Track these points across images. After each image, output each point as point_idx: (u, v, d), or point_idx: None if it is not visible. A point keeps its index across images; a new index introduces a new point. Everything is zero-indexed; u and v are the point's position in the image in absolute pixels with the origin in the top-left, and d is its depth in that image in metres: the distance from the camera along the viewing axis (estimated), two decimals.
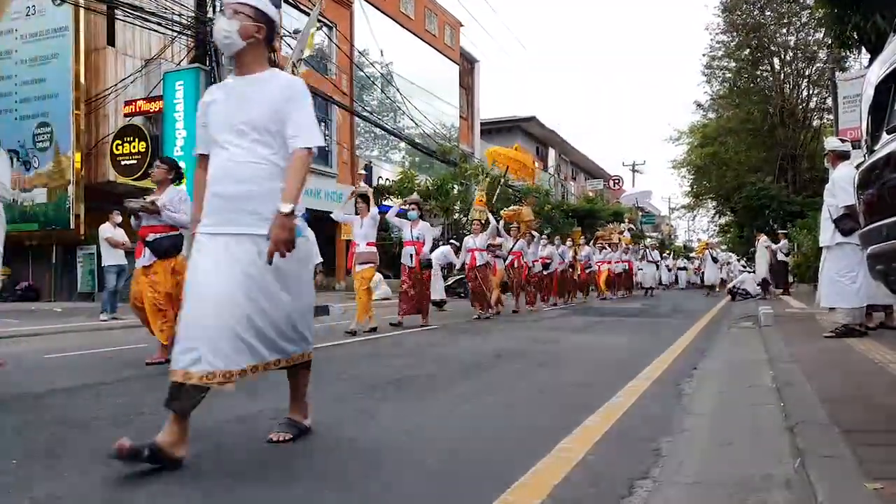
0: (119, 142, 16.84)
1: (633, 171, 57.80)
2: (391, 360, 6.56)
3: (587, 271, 20.71)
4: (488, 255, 12.74)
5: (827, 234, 6.87)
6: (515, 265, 14.29)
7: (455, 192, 25.64)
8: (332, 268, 22.66)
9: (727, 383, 5.03)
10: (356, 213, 9.70)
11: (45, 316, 12.37)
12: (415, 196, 11.49)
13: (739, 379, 5.12)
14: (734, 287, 20.21)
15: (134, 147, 16.52)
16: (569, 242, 19.65)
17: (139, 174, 16.55)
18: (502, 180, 17.98)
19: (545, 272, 16.24)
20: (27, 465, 2.99)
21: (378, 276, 18.28)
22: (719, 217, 47.24)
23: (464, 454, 3.22)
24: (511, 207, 17.52)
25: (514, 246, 14.31)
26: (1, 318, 11.06)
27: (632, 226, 32.40)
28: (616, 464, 3.00)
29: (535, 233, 15.68)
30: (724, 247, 44.52)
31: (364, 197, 9.58)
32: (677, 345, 7.85)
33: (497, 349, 7.46)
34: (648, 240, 35.37)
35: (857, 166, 3.28)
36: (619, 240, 25.28)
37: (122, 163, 16.85)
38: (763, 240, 19.15)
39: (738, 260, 35.81)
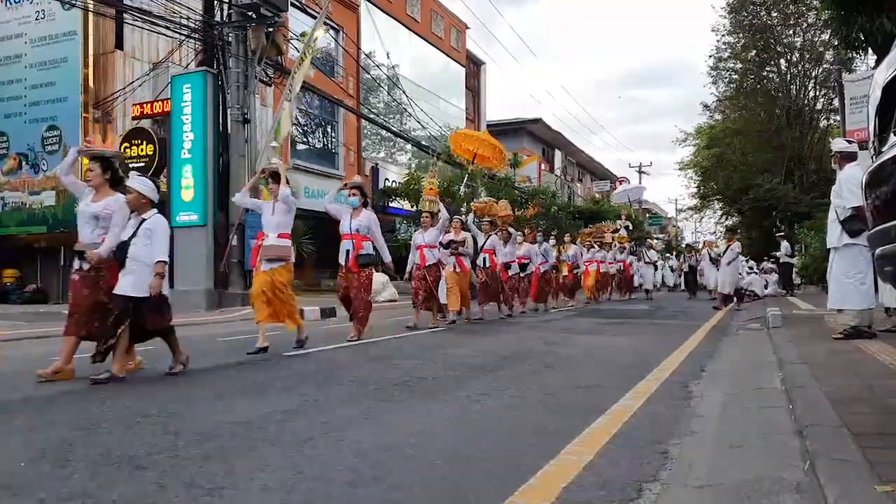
0: (127, 144, 16.90)
1: (640, 172, 57.69)
2: (397, 362, 6.55)
3: (574, 272, 18.86)
4: (444, 253, 11.09)
5: (834, 235, 6.85)
6: (487, 264, 12.55)
7: (461, 193, 25.58)
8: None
9: (736, 385, 5.02)
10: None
11: (53, 318, 12.40)
12: (357, 179, 9.56)
13: (748, 381, 5.10)
14: (742, 288, 20.12)
15: (142, 150, 16.56)
16: (551, 241, 18.02)
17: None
18: (470, 168, 16.07)
19: (522, 274, 14.33)
20: (36, 466, 3.00)
21: (384, 277, 18.03)
22: (726, 218, 47.17)
23: (472, 456, 3.21)
24: (482, 199, 15.83)
25: (484, 243, 12.65)
26: (10, 320, 11.11)
27: (629, 223, 30.33)
28: (624, 466, 2.99)
29: (511, 229, 13.84)
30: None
31: (275, 175, 7.68)
32: (685, 346, 7.83)
33: (504, 351, 7.45)
34: (651, 240, 33.08)
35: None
36: (613, 239, 23.61)
37: (130, 165, 16.89)
38: (735, 246, 16.70)
39: (746, 261, 35.26)
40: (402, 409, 4.29)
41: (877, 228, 3.06)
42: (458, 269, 11.22)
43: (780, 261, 21.37)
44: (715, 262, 21.24)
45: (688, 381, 5.35)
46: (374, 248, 8.62)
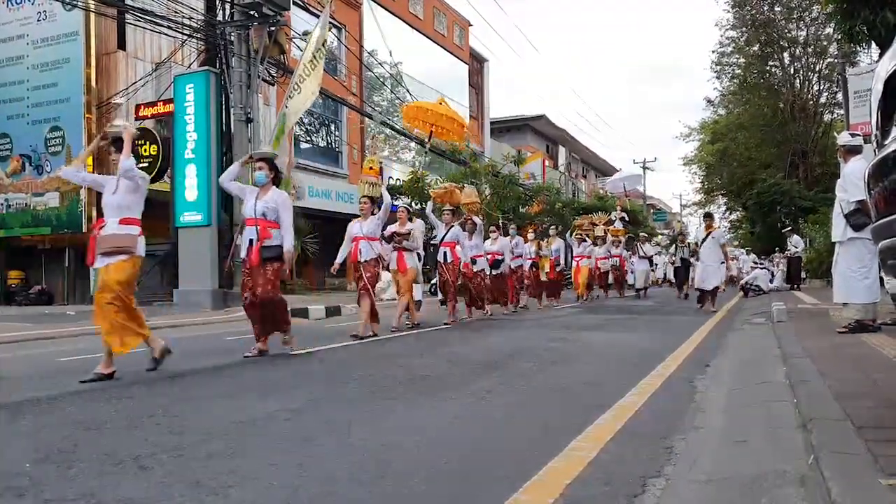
0: None
1: (644, 168, 57.60)
2: (403, 360, 6.56)
3: (557, 269, 16.74)
4: (385, 246, 9.52)
5: (839, 229, 6.84)
6: (448, 259, 10.97)
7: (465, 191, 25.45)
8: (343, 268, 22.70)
9: (740, 380, 5.01)
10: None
11: (58, 319, 12.46)
12: (266, 149, 7.43)
13: (752, 375, 5.09)
14: (747, 283, 20.10)
15: (145, 150, 16.60)
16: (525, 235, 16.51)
17: (151, 177, 16.63)
18: (429, 144, 14.48)
19: (495, 272, 12.91)
20: (41, 467, 3.01)
21: (386, 275, 17.52)
22: (730, 213, 47.15)
23: (476, 453, 3.22)
24: (442, 185, 14.29)
25: (445, 235, 11.04)
26: (15, 321, 11.14)
27: (624, 214, 27.31)
28: (629, 462, 2.99)
29: (477, 219, 12.24)
30: (735, 243, 44.31)
31: (117, 142, 5.77)
32: (689, 342, 7.82)
33: (509, 348, 7.46)
34: (644, 234, 30.49)
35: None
36: (607, 232, 21.56)
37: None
38: (717, 234, 13.80)
39: (747, 253, 34.77)
40: (406, 407, 4.30)
41: (880, 222, 3.05)
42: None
43: (791, 255, 21.09)
44: (694, 253, 17.41)
45: (692, 376, 5.34)
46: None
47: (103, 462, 3.07)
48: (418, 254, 10.67)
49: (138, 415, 4.11)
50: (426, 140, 13.91)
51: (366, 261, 8.75)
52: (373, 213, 9.06)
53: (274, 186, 6.89)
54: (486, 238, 13.16)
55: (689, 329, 9.34)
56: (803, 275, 22.28)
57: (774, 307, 8.99)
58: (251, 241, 6.66)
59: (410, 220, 10.36)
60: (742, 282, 21.16)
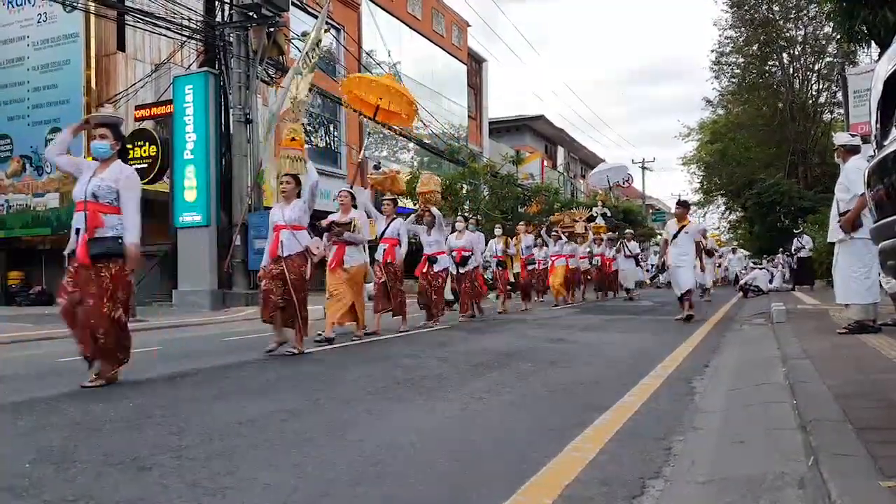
0: (130, 146, 16.91)
1: (643, 168, 57.57)
2: (400, 361, 6.55)
3: (529, 268, 15.42)
4: (317, 241, 7.44)
5: (836, 230, 6.83)
6: (387, 260, 9.29)
7: (464, 191, 25.47)
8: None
9: (739, 381, 5.01)
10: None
11: (58, 320, 12.42)
12: (107, 111, 5.53)
13: (751, 376, 5.09)
14: (746, 283, 20.08)
15: (145, 151, 16.60)
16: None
17: (150, 178, 16.64)
18: (366, 121, 12.32)
19: (462, 270, 11.48)
20: (40, 467, 3.00)
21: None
22: (729, 213, 47.08)
23: (474, 454, 3.21)
24: (382, 169, 12.52)
25: (385, 230, 9.40)
26: (15, 322, 11.13)
27: (606, 210, 25.31)
28: (628, 463, 2.99)
29: (436, 211, 10.60)
30: (735, 243, 44.25)
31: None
32: (689, 342, 7.82)
33: (507, 348, 7.45)
34: (630, 230, 28.32)
35: (869, 159, 3.26)
36: (586, 229, 20.09)
37: (134, 166, 16.90)
38: (691, 228, 11.22)
39: (734, 251, 34.34)
40: (404, 408, 4.29)
41: (880, 223, 3.05)
42: (347, 267, 8.24)
43: (799, 255, 20.73)
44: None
45: (691, 377, 5.34)
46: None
47: (102, 463, 3.07)
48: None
49: (137, 416, 4.11)
50: (371, 118, 11.99)
51: (289, 255, 6.86)
52: (297, 196, 7.21)
53: (119, 161, 5.39)
54: (452, 231, 11.97)
55: (688, 330, 9.34)
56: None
57: (774, 308, 8.99)
58: (78, 230, 5.14)
59: (355, 207, 8.70)
60: (741, 282, 21.09)
